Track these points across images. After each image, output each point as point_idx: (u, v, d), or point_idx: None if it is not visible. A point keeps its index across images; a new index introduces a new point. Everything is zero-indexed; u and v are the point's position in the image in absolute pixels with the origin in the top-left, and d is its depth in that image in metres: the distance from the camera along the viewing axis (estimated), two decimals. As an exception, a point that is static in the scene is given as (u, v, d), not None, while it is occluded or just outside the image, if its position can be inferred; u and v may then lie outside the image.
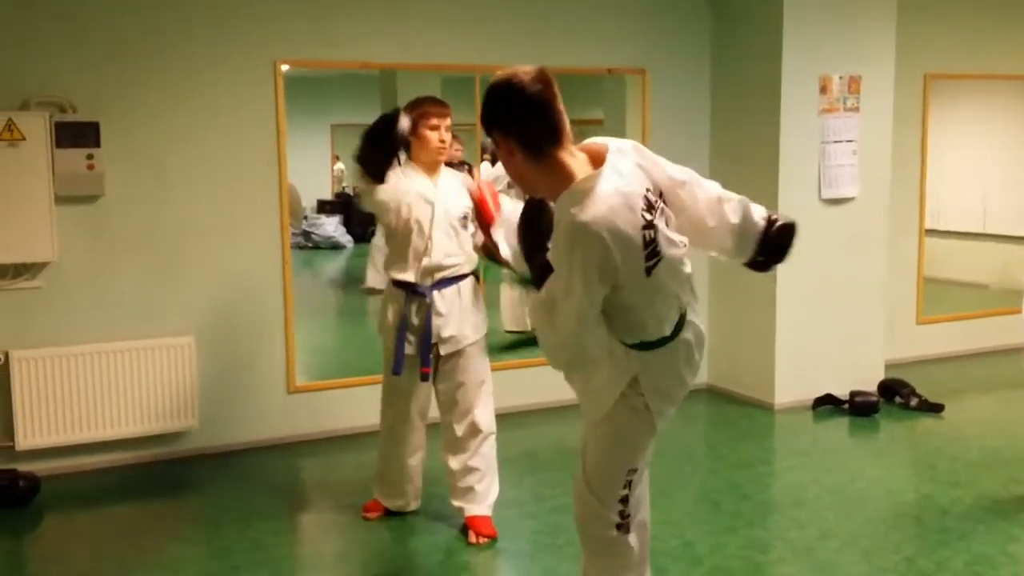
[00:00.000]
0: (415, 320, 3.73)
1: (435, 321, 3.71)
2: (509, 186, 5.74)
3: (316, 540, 4.06)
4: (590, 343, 2.36)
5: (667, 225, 2.40)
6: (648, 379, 2.45)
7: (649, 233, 2.29)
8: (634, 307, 2.37)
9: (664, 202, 2.41)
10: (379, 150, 3.58)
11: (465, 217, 3.75)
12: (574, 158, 2.33)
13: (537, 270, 2.41)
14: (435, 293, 3.70)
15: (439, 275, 3.70)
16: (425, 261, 3.68)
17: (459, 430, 3.82)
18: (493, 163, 3.58)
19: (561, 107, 2.30)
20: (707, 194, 2.54)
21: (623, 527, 2.56)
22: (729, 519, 4.05)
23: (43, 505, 4.30)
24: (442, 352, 3.77)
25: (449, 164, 4.00)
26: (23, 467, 4.45)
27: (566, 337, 2.33)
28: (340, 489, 4.45)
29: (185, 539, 3.93)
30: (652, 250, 2.30)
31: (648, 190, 2.35)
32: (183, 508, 4.36)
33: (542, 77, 2.28)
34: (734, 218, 2.54)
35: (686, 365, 2.51)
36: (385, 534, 3.94)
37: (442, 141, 3.71)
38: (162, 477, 4.69)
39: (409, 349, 3.75)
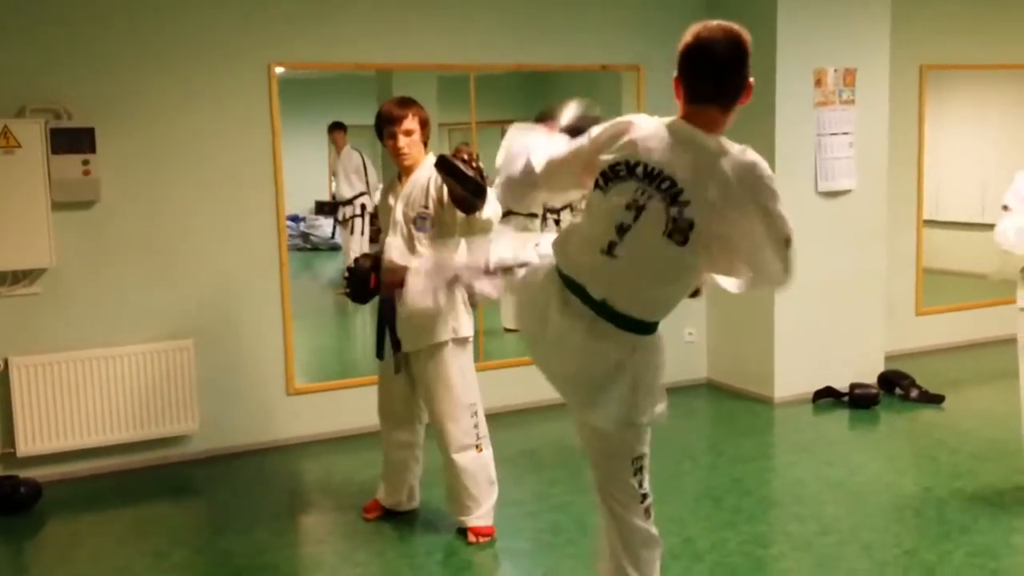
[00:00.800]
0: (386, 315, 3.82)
1: (397, 319, 3.78)
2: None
3: (318, 541, 4.06)
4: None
5: (655, 216, 2.33)
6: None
7: (625, 171, 2.39)
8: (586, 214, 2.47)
9: (691, 211, 2.35)
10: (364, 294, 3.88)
11: (422, 218, 3.70)
12: (717, 126, 2.50)
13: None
14: (397, 291, 3.75)
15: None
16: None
17: (439, 441, 3.83)
18: (437, 163, 3.57)
19: (733, 79, 2.47)
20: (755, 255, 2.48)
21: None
22: (730, 514, 4.05)
23: (45, 511, 4.30)
24: (401, 348, 3.82)
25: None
26: (24, 473, 4.46)
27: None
28: (341, 490, 4.46)
29: (187, 543, 3.93)
30: (615, 175, 2.40)
31: (683, 187, 2.37)
32: (184, 511, 4.37)
33: (734, 44, 2.48)
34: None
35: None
36: (387, 534, 3.94)
37: (398, 148, 3.73)
38: (163, 481, 4.70)
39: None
